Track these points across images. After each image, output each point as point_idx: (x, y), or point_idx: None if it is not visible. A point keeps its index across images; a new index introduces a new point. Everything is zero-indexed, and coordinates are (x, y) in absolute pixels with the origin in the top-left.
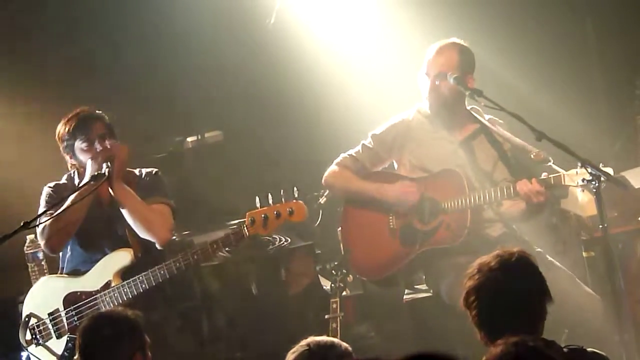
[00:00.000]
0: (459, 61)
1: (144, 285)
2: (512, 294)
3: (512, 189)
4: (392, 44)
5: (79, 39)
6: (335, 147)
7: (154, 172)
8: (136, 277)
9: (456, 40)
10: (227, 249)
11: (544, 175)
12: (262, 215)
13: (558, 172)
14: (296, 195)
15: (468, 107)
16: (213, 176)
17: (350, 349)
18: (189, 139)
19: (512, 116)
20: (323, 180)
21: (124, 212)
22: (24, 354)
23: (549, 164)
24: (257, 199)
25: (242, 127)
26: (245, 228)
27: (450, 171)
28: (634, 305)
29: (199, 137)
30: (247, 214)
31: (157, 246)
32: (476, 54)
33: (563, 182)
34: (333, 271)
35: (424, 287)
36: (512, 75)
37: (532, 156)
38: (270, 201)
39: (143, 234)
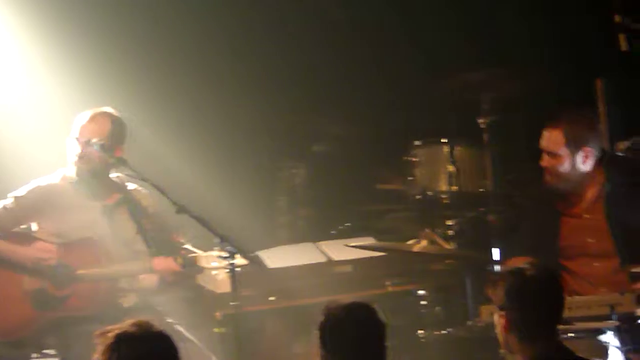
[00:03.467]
0: (111, 130)
1: None
2: None
3: (148, 264)
4: (43, 103)
5: None
6: None
7: None
8: None
9: (110, 110)
10: None
11: (182, 253)
12: None
13: (196, 252)
14: None
15: (115, 175)
16: None
17: None
18: None
19: (154, 187)
20: None
21: None
22: None
23: (187, 246)
24: None
25: None
26: None
27: (88, 240)
28: None
29: None
30: None
31: None
32: (131, 126)
33: (200, 264)
34: None
35: (52, 352)
36: (167, 150)
37: (172, 234)
38: None
39: None
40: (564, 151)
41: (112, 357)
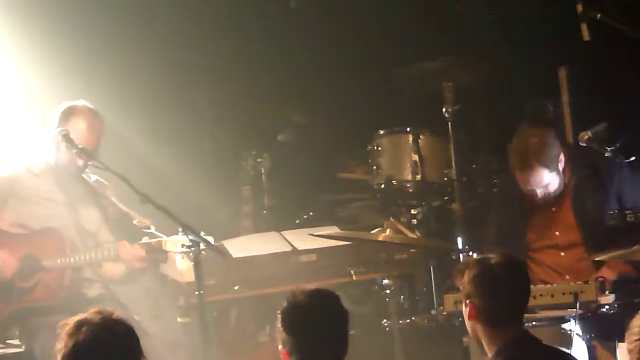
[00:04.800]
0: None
1: None
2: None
3: (113, 251)
4: (23, 94)
5: None
6: None
7: None
8: None
9: (85, 104)
10: None
11: (145, 239)
12: None
13: (160, 237)
14: None
15: None
16: None
17: None
18: None
19: (119, 177)
20: None
21: None
22: None
23: (151, 230)
24: None
25: None
26: None
27: (51, 230)
28: None
29: None
30: None
31: None
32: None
33: (164, 248)
34: None
35: (16, 342)
36: (134, 139)
37: (135, 222)
38: None
39: None
40: (551, 177)
41: (71, 342)
